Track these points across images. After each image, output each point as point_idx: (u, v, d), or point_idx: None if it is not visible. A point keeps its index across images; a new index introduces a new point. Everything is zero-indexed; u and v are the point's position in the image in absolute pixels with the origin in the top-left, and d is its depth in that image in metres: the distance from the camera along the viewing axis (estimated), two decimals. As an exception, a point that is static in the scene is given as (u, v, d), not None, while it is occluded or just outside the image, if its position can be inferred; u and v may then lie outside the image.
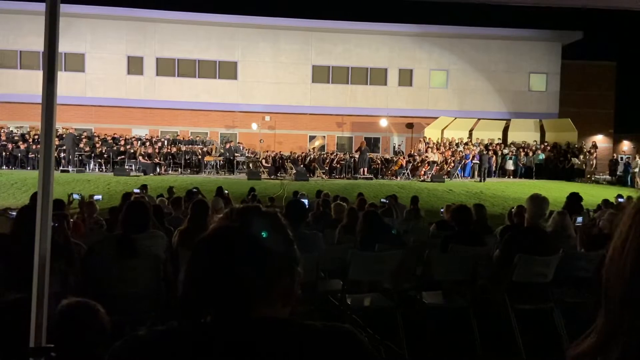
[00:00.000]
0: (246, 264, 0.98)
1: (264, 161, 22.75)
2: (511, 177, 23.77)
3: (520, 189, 18.85)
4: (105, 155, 21.68)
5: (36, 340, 1.83)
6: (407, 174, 22.11)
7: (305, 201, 8.65)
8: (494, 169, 23.75)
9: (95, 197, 8.58)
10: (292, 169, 21.74)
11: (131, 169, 20.40)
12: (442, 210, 9.49)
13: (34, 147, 21.03)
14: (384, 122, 26.98)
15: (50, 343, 1.89)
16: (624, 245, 0.66)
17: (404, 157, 23.76)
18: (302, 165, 22.35)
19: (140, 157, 21.17)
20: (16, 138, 22.36)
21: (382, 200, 11.79)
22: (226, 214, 1.08)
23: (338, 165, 22.76)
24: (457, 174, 22.82)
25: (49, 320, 1.93)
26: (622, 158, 26.72)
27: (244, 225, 1.02)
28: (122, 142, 22.71)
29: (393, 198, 11.39)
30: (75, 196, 9.09)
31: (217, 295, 0.97)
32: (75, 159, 21.05)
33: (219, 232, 1.03)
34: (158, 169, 21.23)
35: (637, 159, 23.25)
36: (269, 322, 0.98)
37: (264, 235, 1.02)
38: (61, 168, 19.90)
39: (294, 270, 1.05)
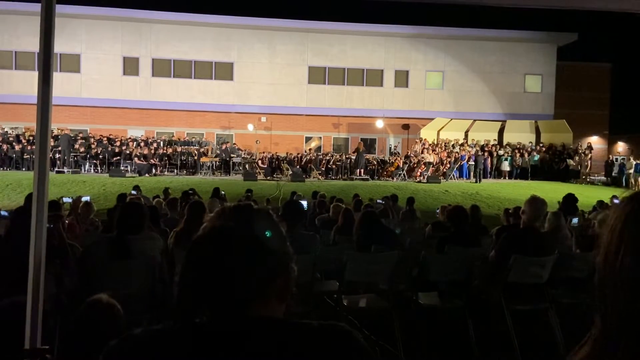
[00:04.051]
0: (240, 263, 0.97)
1: (260, 162, 22.74)
2: (506, 178, 23.84)
3: (516, 190, 18.90)
4: (100, 156, 21.62)
5: (31, 342, 1.82)
6: (403, 175, 22.14)
7: (304, 202, 8.66)
8: (489, 170, 23.82)
9: (83, 198, 8.52)
10: (288, 169, 21.73)
11: (127, 170, 20.35)
12: (437, 211, 9.51)
13: (28, 148, 20.95)
14: (380, 123, 27.02)
15: (71, 340, 1.89)
16: (618, 247, 0.65)
17: (400, 158, 23.80)
18: (298, 166, 22.36)
19: (136, 158, 21.13)
20: (11, 139, 22.26)
21: (378, 200, 11.80)
22: (218, 213, 1.08)
23: (334, 166, 22.78)
24: (453, 175, 22.87)
25: (48, 320, 1.92)
26: (617, 159, 26.82)
27: (237, 223, 1.02)
28: (118, 143, 22.64)
29: (392, 199, 11.40)
30: (66, 199, 9.04)
31: (212, 295, 0.97)
32: (71, 160, 20.98)
33: (212, 231, 1.02)
34: (154, 170, 21.19)
35: (632, 160, 23.36)
36: (265, 321, 0.98)
37: (267, 235, 1.02)
38: (56, 169, 19.83)
39: (289, 266, 1.05)
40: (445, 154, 23.87)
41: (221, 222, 1.04)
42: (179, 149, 22.75)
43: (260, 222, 1.04)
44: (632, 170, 22.56)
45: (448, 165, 23.01)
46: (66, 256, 3.67)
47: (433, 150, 24.24)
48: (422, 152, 23.84)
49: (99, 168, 21.51)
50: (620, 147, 32.85)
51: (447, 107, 27.77)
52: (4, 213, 7.39)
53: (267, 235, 1.02)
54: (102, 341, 2.01)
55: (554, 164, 24.58)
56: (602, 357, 0.65)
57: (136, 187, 12.76)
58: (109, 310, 2.04)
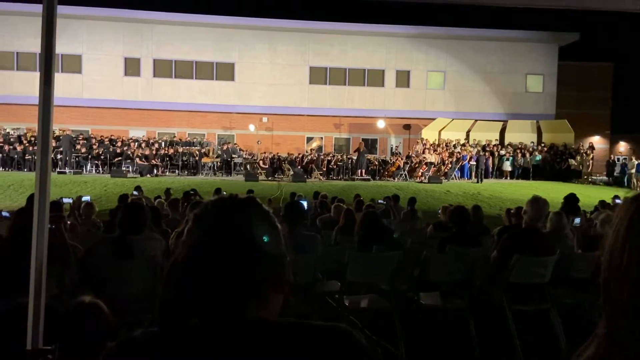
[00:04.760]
0: (234, 274, 0.96)
1: (261, 162, 22.74)
2: (508, 178, 23.82)
3: (517, 190, 18.88)
4: (102, 157, 21.64)
5: (33, 343, 1.82)
6: (405, 175, 22.13)
7: (305, 203, 8.66)
8: (491, 170, 23.80)
9: (84, 197, 8.53)
10: (289, 170, 21.73)
11: (128, 171, 20.37)
12: (439, 211, 9.50)
13: (30, 148, 20.98)
14: (381, 124, 27.01)
15: (55, 342, 1.89)
16: (623, 248, 0.65)
17: (401, 158, 23.79)
18: (299, 167, 22.35)
19: (137, 159, 21.14)
20: (12, 139, 22.29)
21: (379, 201, 11.80)
22: (201, 210, 1.04)
23: (335, 167, 22.77)
24: (455, 175, 22.85)
25: (48, 320, 1.93)
26: (618, 159, 26.80)
27: (221, 227, 0.99)
28: (119, 144, 22.66)
29: (393, 199, 11.40)
30: (66, 200, 9.03)
31: (208, 299, 0.96)
32: (72, 160, 21.00)
33: (202, 244, 0.99)
34: (155, 171, 21.21)
35: (634, 159, 23.32)
36: (263, 322, 0.97)
37: (265, 240, 1.00)
38: (58, 170, 19.85)
39: (283, 259, 1.03)
40: (447, 154, 23.85)
41: (203, 233, 1.00)
42: (180, 150, 22.77)
43: (249, 218, 1.01)
44: (634, 170, 22.52)
45: (449, 166, 23.00)
46: (68, 257, 3.67)
47: (434, 151, 24.22)
48: (424, 152, 23.82)
49: (100, 169, 21.53)
50: (622, 147, 32.79)
51: (449, 107, 27.75)
52: (4, 214, 7.41)
53: (265, 240, 1.00)
54: (90, 341, 2.03)
55: (555, 164, 24.54)
56: (607, 358, 0.65)
57: (138, 188, 12.78)
58: (93, 311, 2.05)
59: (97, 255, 3.77)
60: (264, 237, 1.00)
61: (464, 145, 25.27)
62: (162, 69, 26.49)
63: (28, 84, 23.61)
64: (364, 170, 22.06)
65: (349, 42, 27.30)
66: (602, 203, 10.36)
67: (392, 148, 27.61)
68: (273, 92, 26.95)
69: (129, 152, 21.68)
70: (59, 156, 20.66)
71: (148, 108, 26.27)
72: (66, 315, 2.02)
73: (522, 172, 24.17)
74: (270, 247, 1.01)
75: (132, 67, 26.33)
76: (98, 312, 2.06)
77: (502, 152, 24.88)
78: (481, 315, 4.45)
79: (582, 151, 24.84)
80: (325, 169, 22.66)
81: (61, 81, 23.39)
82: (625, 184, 22.77)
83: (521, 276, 4.35)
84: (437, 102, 27.87)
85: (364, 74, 27.70)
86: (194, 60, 26.56)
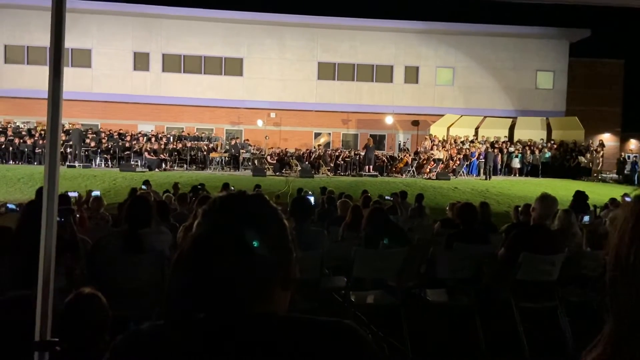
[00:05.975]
0: (235, 270, 0.95)
1: (269, 158, 22.77)
2: (517, 175, 23.69)
3: (526, 187, 18.78)
4: (111, 151, 21.78)
5: (41, 334, 1.84)
6: (413, 171, 22.08)
7: (312, 198, 8.66)
8: (499, 166, 23.68)
9: (94, 192, 8.56)
10: (297, 165, 21.74)
11: (137, 165, 20.49)
12: (447, 208, 9.46)
13: (40, 142, 21.15)
14: (389, 120, 26.92)
15: (57, 334, 1.91)
16: (630, 247, 0.64)
17: (409, 155, 23.72)
18: (307, 162, 22.36)
19: (146, 153, 21.25)
20: (23, 133, 22.49)
21: (387, 197, 11.77)
22: (205, 210, 1.03)
23: (343, 162, 22.75)
24: (463, 172, 22.76)
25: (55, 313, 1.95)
26: (629, 157, 26.52)
27: (229, 223, 0.99)
28: (128, 138, 22.80)
29: (400, 195, 11.36)
30: (71, 194, 9.05)
31: (213, 294, 0.95)
32: (82, 154, 21.16)
33: (198, 243, 0.98)
34: (164, 165, 21.31)
35: (645, 157, 23.11)
36: (267, 317, 0.97)
37: (255, 245, 0.97)
38: (67, 163, 20.01)
39: (290, 255, 1.03)
40: (455, 151, 23.76)
41: (209, 227, 1.00)
42: (188, 144, 22.86)
43: (256, 215, 1.01)
44: (644, 168, 22.32)
45: (458, 162, 22.91)
46: (77, 250, 3.70)
47: (443, 147, 24.13)
48: (432, 149, 23.74)
49: (109, 162, 21.67)
50: (633, 144, 32.45)
51: (457, 104, 27.61)
52: (10, 206, 7.44)
53: (255, 245, 0.97)
54: (90, 330, 2.07)
55: (565, 161, 24.38)
56: (614, 358, 0.64)
57: (146, 182, 12.84)
58: (92, 301, 2.10)
59: (105, 248, 3.79)
60: (254, 242, 0.98)
61: (472, 141, 25.15)
62: (171, 63, 26.57)
63: (38, 77, 23.73)
64: (371, 166, 22.02)
65: (358, 37, 27.21)
66: (612, 201, 10.28)
67: (400, 144, 27.52)
68: (281, 88, 26.94)
69: (138, 147, 21.80)
70: (68, 150, 20.81)
71: (157, 103, 26.37)
72: (65, 306, 2.06)
73: (531, 169, 24.04)
74: (274, 245, 1.00)
75: (141, 61, 26.42)
76: (96, 303, 2.10)
77: (511, 149, 24.74)
78: (488, 313, 4.43)
79: (592, 148, 24.64)
80: (332, 165, 22.65)
81: (71, 75, 23.53)
82: (636, 182, 22.57)
83: (529, 274, 4.32)
84: (446, 98, 27.73)
85: (373, 70, 27.61)
86: (203, 55, 26.60)
